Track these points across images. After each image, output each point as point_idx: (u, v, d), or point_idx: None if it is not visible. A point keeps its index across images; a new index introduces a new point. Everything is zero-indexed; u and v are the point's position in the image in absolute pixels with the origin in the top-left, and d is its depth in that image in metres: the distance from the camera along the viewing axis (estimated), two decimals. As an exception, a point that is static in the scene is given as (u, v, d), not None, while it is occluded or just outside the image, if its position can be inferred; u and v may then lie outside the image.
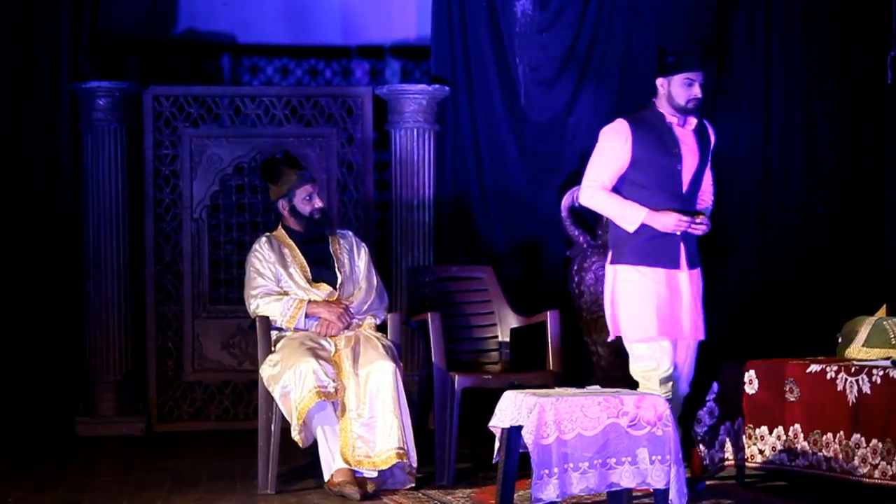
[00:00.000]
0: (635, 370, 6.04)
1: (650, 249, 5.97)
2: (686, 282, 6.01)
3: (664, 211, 5.94)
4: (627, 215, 5.97)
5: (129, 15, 8.65)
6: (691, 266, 6.04)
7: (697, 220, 5.95)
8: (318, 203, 6.63)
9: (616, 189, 6.03)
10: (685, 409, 6.28)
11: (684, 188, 6.01)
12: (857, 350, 6.21)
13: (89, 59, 8.39)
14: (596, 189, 6.05)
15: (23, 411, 8.15)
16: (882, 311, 6.43)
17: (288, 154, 6.70)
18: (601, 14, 8.58)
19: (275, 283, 6.51)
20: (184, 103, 8.52)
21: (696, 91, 5.97)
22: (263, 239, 6.64)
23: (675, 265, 5.98)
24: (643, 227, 5.95)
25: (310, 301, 6.43)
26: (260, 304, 6.46)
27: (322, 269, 6.59)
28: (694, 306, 6.04)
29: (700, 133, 6.11)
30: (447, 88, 8.48)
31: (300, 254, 6.60)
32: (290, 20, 8.87)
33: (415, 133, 8.42)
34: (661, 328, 5.95)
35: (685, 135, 6.05)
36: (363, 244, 6.82)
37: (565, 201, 8.30)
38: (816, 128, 8.49)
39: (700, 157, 6.06)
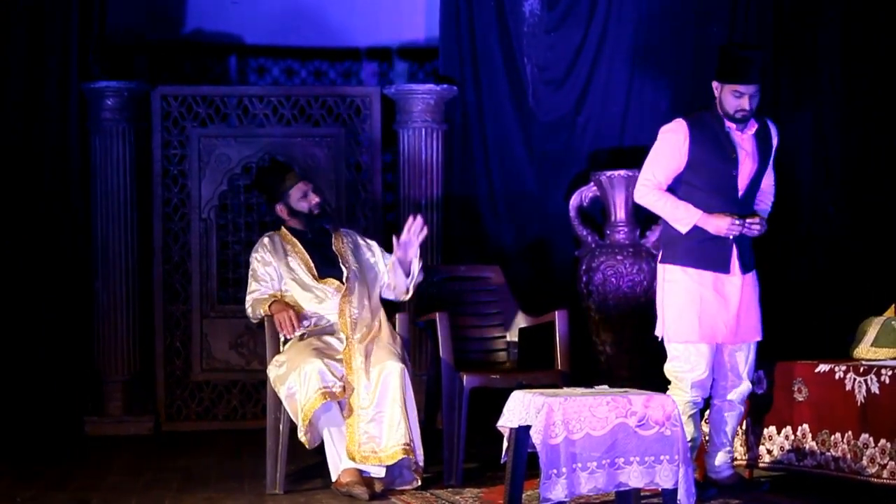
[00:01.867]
0: (668, 369, 6.01)
1: (700, 251, 5.92)
2: (737, 285, 5.92)
3: (717, 214, 5.90)
4: (681, 216, 5.93)
5: (137, 15, 8.67)
6: (745, 270, 5.95)
7: (750, 222, 5.90)
8: (315, 199, 6.64)
9: (672, 189, 5.99)
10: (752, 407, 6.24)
11: (740, 193, 5.93)
12: (865, 350, 6.20)
13: (98, 59, 8.42)
14: (650, 188, 6.00)
15: (32, 411, 8.16)
16: (891, 311, 6.41)
17: (273, 160, 6.73)
18: (610, 13, 8.58)
19: (273, 283, 6.51)
20: (192, 103, 8.53)
21: (745, 103, 5.86)
22: (266, 239, 6.65)
23: (725, 269, 5.92)
24: (696, 228, 5.92)
25: (274, 302, 6.43)
26: (250, 309, 6.51)
27: (328, 265, 6.59)
28: (746, 309, 5.97)
29: (761, 136, 6.00)
30: (455, 88, 8.49)
31: (304, 252, 6.61)
32: (298, 21, 8.87)
33: (423, 133, 8.42)
34: (702, 333, 5.91)
35: (744, 139, 5.95)
36: (372, 240, 6.83)
37: (573, 201, 8.31)
38: (825, 127, 8.48)
39: (759, 161, 5.97)
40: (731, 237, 5.89)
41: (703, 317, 5.89)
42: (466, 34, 8.59)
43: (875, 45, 8.41)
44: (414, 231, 6.56)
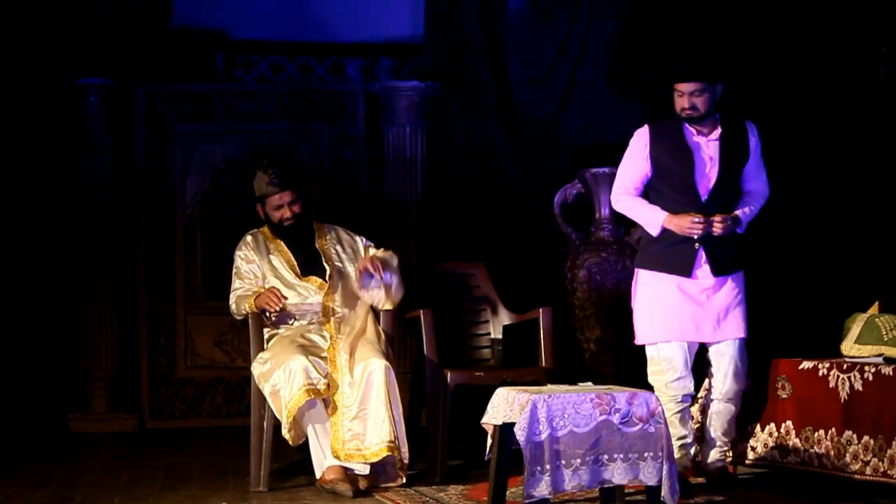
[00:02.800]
0: (648, 373, 6.09)
1: (667, 255, 5.99)
2: (706, 287, 5.97)
3: (681, 213, 5.93)
4: (650, 219, 6.01)
5: (119, 10, 8.63)
6: (718, 273, 5.98)
7: (714, 220, 5.90)
8: (288, 213, 6.53)
9: (645, 194, 6.07)
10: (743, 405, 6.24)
11: (703, 197, 5.95)
12: (849, 347, 6.21)
13: (82, 55, 8.39)
14: (620, 194, 6.12)
15: (15, 408, 8.15)
16: (874, 308, 6.43)
17: (266, 159, 6.60)
18: (593, 12, 8.58)
19: (257, 281, 6.50)
20: (176, 100, 8.51)
21: (685, 102, 5.89)
22: (249, 237, 6.63)
23: (688, 273, 5.97)
24: (666, 231, 5.96)
25: (257, 297, 6.42)
26: (234, 306, 6.49)
27: (311, 263, 6.58)
28: (725, 309, 5.98)
29: (728, 140, 5.99)
30: (439, 85, 8.48)
31: (287, 249, 6.59)
32: (285, 17, 8.86)
33: (407, 130, 8.42)
34: (666, 332, 5.98)
35: (708, 143, 5.97)
36: (358, 235, 6.80)
37: (558, 198, 8.30)
38: (808, 126, 8.50)
39: (724, 166, 5.96)
40: (695, 240, 5.93)
41: (668, 317, 5.97)
42: (450, 32, 8.59)
43: (855, 38, 8.44)
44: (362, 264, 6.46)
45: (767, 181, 6.15)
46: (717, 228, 5.90)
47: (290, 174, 6.56)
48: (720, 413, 6.09)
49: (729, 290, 6.01)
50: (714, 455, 6.13)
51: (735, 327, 6.01)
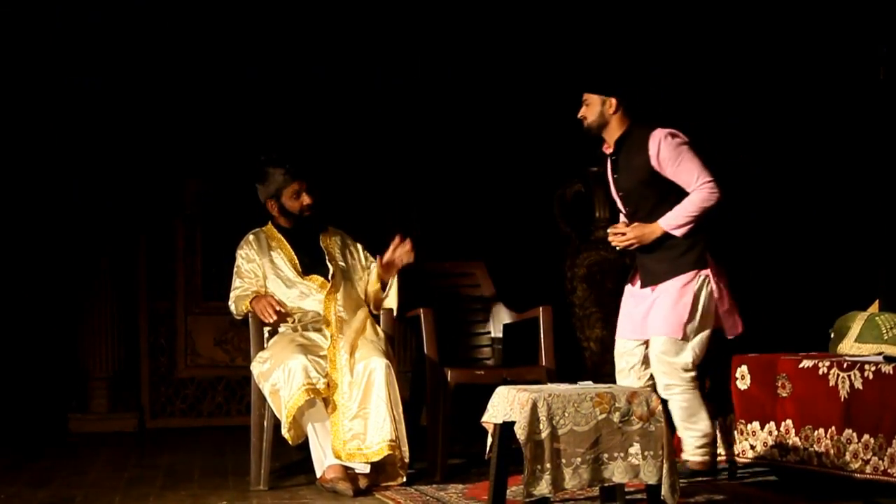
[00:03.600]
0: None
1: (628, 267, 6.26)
2: (644, 294, 6.08)
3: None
4: None
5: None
6: (644, 285, 6.09)
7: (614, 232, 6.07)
8: (307, 200, 6.59)
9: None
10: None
11: (623, 208, 6.09)
12: (849, 345, 6.21)
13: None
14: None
15: (16, 408, 8.15)
16: (874, 307, 6.43)
17: (273, 154, 6.63)
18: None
19: (257, 280, 6.50)
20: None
21: (581, 112, 6.04)
22: (251, 236, 6.64)
23: (630, 282, 6.21)
24: None
25: (255, 297, 6.42)
26: (233, 305, 6.50)
27: (313, 262, 6.58)
28: (655, 309, 6.03)
29: (624, 152, 6.03)
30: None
31: (289, 248, 6.60)
32: None
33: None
34: (616, 330, 6.22)
35: (610, 161, 6.10)
36: (357, 242, 6.81)
37: (558, 197, 8.31)
38: (806, 125, 8.51)
39: (627, 177, 6.04)
40: (634, 252, 6.09)
41: (619, 316, 6.23)
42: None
43: (855, 38, 8.44)
44: (399, 254, 6.52)
45: (702, 180, 5.98)
46: (611, 239, 6.07)
47: (302, 165, 6.58)
48: (670, 407, 6.10)
49: (665, 294, 6.03)
50: (685, 447, 6.17)
51: (655, 327, 6.04)
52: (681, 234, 5.98)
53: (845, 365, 5.80)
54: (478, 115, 8.70)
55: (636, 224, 6.02)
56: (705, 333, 6.06)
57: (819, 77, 8.53)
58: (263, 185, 6.61)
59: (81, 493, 6.18)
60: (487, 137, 8.69)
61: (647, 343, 6.12)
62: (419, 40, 8.52)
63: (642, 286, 6.10)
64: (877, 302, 6.45)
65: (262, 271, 6.52)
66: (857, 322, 6.26)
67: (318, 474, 6.21)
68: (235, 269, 6.57)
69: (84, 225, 8.27)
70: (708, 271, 6.03)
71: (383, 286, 6.60)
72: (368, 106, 8.58)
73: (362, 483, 6.14)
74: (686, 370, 6.01)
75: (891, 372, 5.59)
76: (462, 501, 5.84)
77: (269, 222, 6.70)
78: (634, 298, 6.15)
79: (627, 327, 6.18)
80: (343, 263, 6.63)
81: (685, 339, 6.00)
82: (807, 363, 5.97)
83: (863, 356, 6.01)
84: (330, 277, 6.53)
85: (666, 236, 6.00)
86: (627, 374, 6.17)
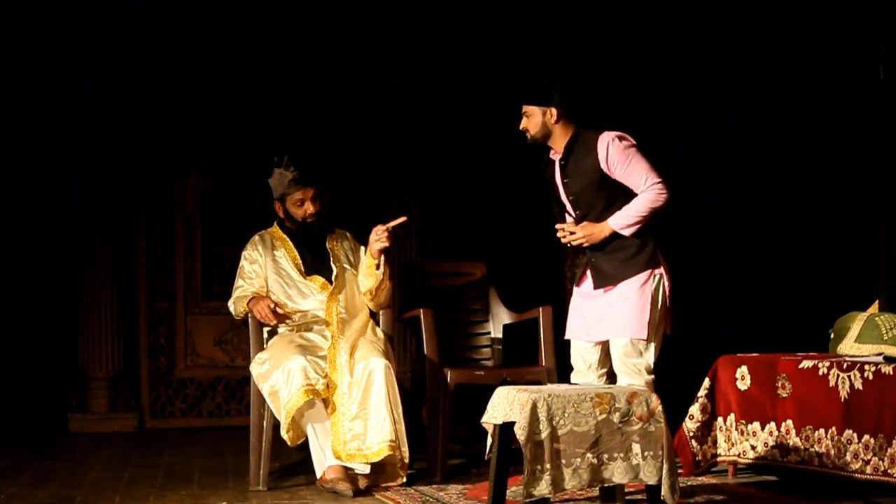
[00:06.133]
0: None
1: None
2: (596, 295, 6.04)
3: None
4: None
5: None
6: (597, 286, 6.03)
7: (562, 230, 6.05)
8: (311, 209, 6.55)
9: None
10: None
11: (573, 213, 6.06)
12: (849, 346, 6.21)
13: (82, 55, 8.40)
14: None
15: (15, 408, 8.15)
16: (874, 307, 6.43)
17: (286, 157, 6.60)
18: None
19: (259, 282, 6.50)
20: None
21: (522, 124, 6.03)
22: (257, 237, 6.63)
23: (577, 283, 6.16)
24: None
25: (253, 297, 6.42)
26: (232, 306, 6.50)
27: (317, 262, 6.58)
28: (612, 311, 6.00)
29: (574, 159, 6.00)
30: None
31: (293, 248, 6.59)
32: None
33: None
34: (567, 331, 6.17)
35: (557, 165, 6.07)
36: (361, 246, 6.80)
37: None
38: (806, 125, 8.51)
39: (567, 183, 6.02)
40: (587, 254, 6.06)
41: (569, 318, 6.15)
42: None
43: (855, 39, 8.44)
44: (372, 240, 6.45)
45: (651, 181, 5.91)
46: (561, 236, 6.03)
47: (311, 171, 6.56)
48: None
49: (618, 296, 5.99)
50: None
51: (612, 329, 6.00)
52: (629, 234, 5.95)
53: (845, 365, 5.80)
54: (478, 115, 8.69)
55: (585, 223, 5.98)
56: (660, 332, 6.04)
57: (819, 77, 8.54)
58: (273, 186, 6.61)
59: (81, 493, 6.18)
60: (487, 137, 8.68)
61: (601, 344, 6.08)
62: (419, 40, 8.51)
63: (595, 287, 6.05)
64: (877, 302, 6.45)
65: (265, 271, 6.52)
66: (857, 322, 6.26)
67: (318, 475, 6.21)
68: (239, 270, 6.56)
69: (84, 225, 8.26)
70: (661, 270, 6.01)
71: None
72: (368, 106, 8.57)
73: (362, 483, 6.14)
74: (648, 371, 5.98)
75: (891, 372, 5.60)
76: (462, 502, 5.84)
77: (275, 223, 6.70)
78: (585, 299, 6.07)
79: (581, 329, 6.10)
80: (347, 265, 6.63)
81: (649, 339, 5.97)
82: (807, 363, 5.97)
83: (863, 356, 6.01)
84: (333, 278, 6.53)
85: (616, 236, 5.96)
86: (587, 374, 6.10)
